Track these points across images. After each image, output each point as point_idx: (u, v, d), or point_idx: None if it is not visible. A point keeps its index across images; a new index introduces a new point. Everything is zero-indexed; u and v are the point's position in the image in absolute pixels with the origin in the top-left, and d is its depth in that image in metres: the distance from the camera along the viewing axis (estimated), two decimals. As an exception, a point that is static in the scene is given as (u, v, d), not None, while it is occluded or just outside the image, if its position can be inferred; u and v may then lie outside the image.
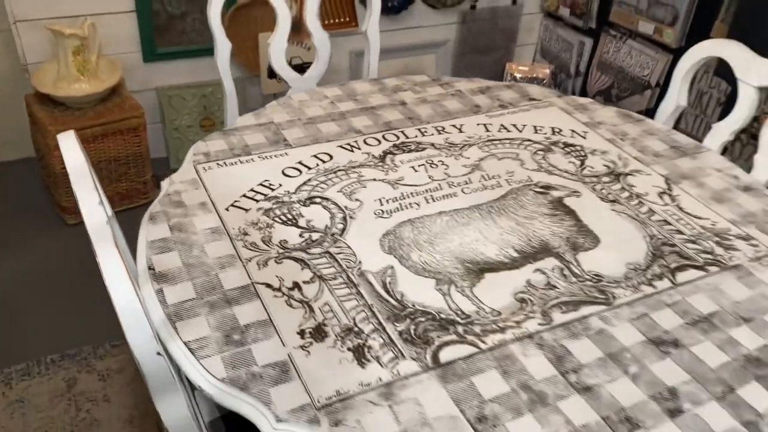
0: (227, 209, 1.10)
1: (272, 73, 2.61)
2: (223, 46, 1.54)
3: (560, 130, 1.39)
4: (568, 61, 2.97)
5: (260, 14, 2.52)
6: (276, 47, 1.59)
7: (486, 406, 0.80)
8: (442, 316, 0.92)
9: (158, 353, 0.67)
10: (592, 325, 0.92)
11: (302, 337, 0.87)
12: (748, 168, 1.31)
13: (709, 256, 1.07)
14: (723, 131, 1.35)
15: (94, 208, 0.74)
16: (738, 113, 1.33)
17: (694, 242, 1.10)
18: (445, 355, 0.86)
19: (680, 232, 1.11)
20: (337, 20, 2.65)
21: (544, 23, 3.07)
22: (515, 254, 1.04)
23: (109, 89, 2.24)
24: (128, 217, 2.39)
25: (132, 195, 2.39)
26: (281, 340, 0.86)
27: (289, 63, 2.32)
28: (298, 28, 2.58)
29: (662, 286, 1.00)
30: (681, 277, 1.02)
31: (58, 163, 2.18)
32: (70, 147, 0.85)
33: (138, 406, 1.71)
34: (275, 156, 1.25)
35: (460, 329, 0.90)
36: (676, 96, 1.42)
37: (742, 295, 0.99)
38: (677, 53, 2.37)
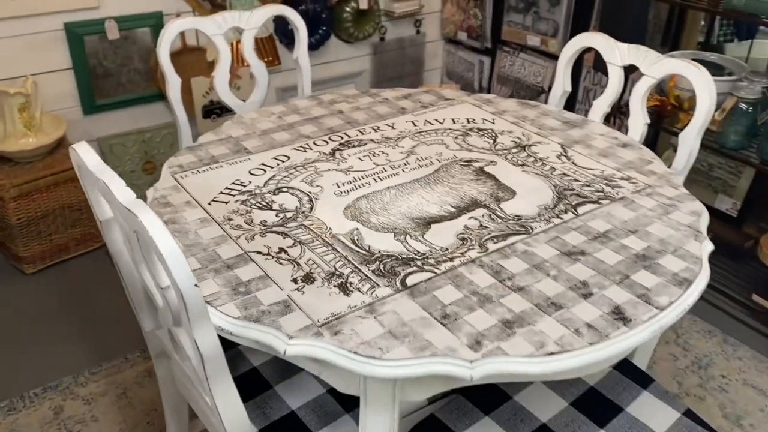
0: (209, 204, 1.30)
1: (207, 114, 2.81)
2: (173, 81, 1.75)
3: (473, 120, 1.68)
4: (471, 79, 3.33)
5: (191, 60, 2.73)
6: (220, 78, 1.81)
7: (447, 308, 1.03)
8: (404, 256, 1.15)
9: (195, 285, 0.87)
10: (518, 248, 1.18)
11: (295, 283, 1.08)
12: (625, 132, 1.63)
13: (601, 194, 1.36)
14: (601, 105, 1.67)
15: (123, 189, 0.93)
16: (610, 89, 1.65)
17: (588, 186, 1.38)
18: (411, 280, 1.09)
19: (577, 180, 1.40)
20: (262, 60, 2.89)
21: (446, 48, 3.42)
22: (452, 209, 1.29)
23: (56, 141, 2.38)
24: (87, 260, 2.51)
25: (87, 240, 2.51)
26: (279, 287, 1.07)
27: (218, 102, 2.56)
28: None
29: (567, 217, 1.28)
30: (581, 210, 1.30)
31: (13, 215, 2.29)
32: (85, 150, 1.03)
33: (126, 421, 1.84)
34: (240, 162, 1.46)
35: (418, 263, 1.14)
36: (561, 82, 1.74)
37: (628, 216, 1.28)
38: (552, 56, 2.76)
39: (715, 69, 2.25)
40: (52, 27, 2.42)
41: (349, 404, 1.25)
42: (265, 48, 2.91)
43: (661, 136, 2.60)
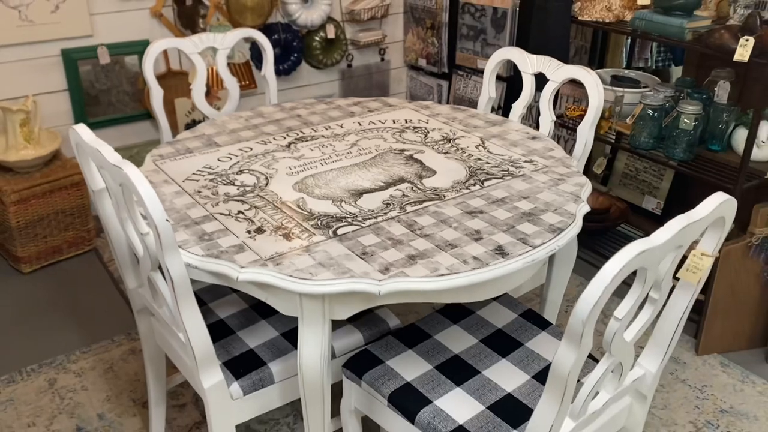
0: (183, 182, 1.59)
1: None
2: (156, 91, 2.05)
3: (411, 120, 1.99)
4: (432, 101, 3.66)
5: (174, 84, 3.04)
6: (197, 90, 2.11)
7: (366, 248, 1.32)
8: (338, 215, 1.44)
9: (167, 219, 1.15)
10: (431, 210, 1.47)
11: (249, 234, 1.36)
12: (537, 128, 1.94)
13: (506, 172, 1.66)
14: (518, 107, 1.99)
15: (113, 153, 1.22)
16: (524, 93, 1.97)
17: (497, 167, 1.69)
18: (341, 231, 1.38)
19: (488, 163, 1.71)
20: (240, 83, 3.21)
21: (409, 74, 3.77)
22: (382, 184, 1.59)
23: (53, 153, 2.67)
24: (78, 261, 2.77)
25: (78, 242, 2.77)
26: (235, 236, 1.35)
27: (200, 121, 2.89)
28: (206, 93, 3.13)
29: (474, 189, 1.57)
30: (487, 183, 1.60)
31: (13, 218, 2.56)
32: (82, 128, 1.32)
33: (112, 390, 2.08)
34: (210, 152, 1.75)
35: (349, 219, 1.42)
36: (487, 89, 2.06)
37: (523, 187, 1.58)
38: (507, 80, 3.09)
39: (633, 83, 2.59)
40: (50, 53, 2.73)
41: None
42: (243, 73, 3.23)
43: (594, 144, 2.92)
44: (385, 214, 1.45)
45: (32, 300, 2.50)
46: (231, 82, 2.19)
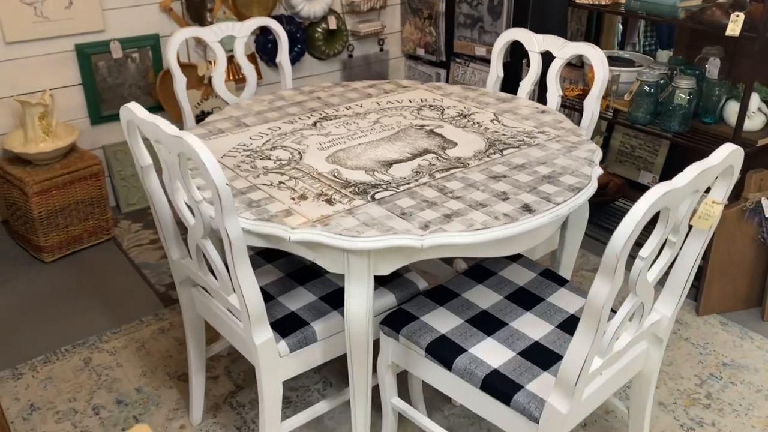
0: (221, 158, 1.69)
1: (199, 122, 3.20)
2: (179, 77, 2.14)
3: (426, 100, 2.10)
4: (430, 88, 3.77)
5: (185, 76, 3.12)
6: (217, 77, 2.21)
7: (405, 210, 1.43)
8: (372, 183, 1.55)
9: (227, 183, 1.25)
10: (457, 176, 1.59)
11: (293, 200, 1.47)
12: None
13: (522, 142, 1.77)
14: (526, 84, 2.11)
15: (171, 126, 1.31)
16: (532, 71, 2.09)
17: (512, 138, 1.80)
18: (378, 195, 1.49)
19: (504, 135, 1.82)
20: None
21: (407, 63, 3.88)
22: (409, 155, 1.70)
23: (70, 145, 2.74)
24: (98, 250, 2.85)
25: (98, 232, 2.85)
26: (281, 203, 1.46)
27: (210, 112, 3.00)
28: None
29: (495, 157, 1.69)
30: (506, 152, 1.72)
31: (36, 209, 2.64)
32: (136, 106, 1.42)
33: (147, 365, 2.17)
34: (241, 132, 1.85)
35: (384, 186, 1.53)
36: (496, 69, 2.18)
37: (540, 154, 1.70)
38: (505, 66, 3.21)
39: (628, 63, 2.72)
40: (64, 48, 2.81)
41: (336, 304, 1.63)
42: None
43: (591, 125, 3.05)
44: (416, 180, 1.56)
45: (57, 287, 2.58)
46: (249, 69, 2.29)
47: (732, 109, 2.38)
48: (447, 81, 3.64)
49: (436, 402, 2.00)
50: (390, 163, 1.65)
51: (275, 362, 1.51)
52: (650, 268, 1.27)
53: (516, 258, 1.81)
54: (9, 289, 2.57)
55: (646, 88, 2.45)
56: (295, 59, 3.42)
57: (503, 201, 1.47)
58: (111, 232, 2.90)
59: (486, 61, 3.36)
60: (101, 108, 2.98)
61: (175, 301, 2.48)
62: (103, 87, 2.96)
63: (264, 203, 1.46)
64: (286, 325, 1.57)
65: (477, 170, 1.61)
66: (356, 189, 1.52)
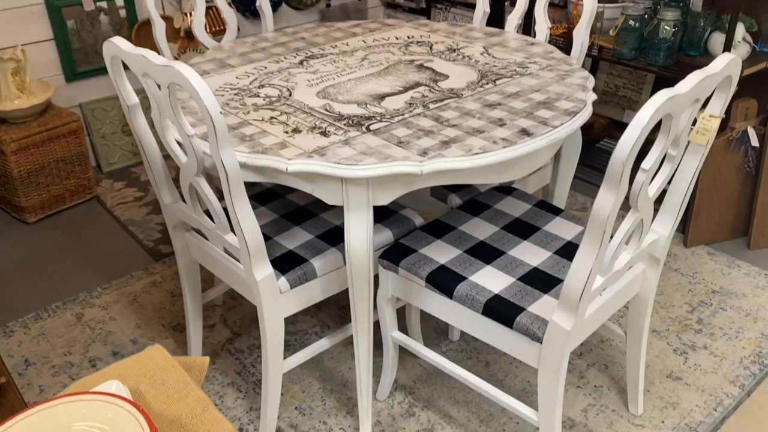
0: (210, 98, 1.65)
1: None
2: (159, 23, 2.07)
3: (412, 36, 2.06)
4: (411, 37, 3.71)
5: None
6: (197, 22, 2.14)
7: (401, 138, 1.41)
8: (366, 115, 1.53)
9: (221, 112, 1.22)
10: (452, 105, 1.57)
11: (287, 133, 1.44)
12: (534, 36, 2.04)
13: (514, 72, 1.76)
14: (513, 18, 2.08)
15: (158, 57, 1.27)
16: (519, 3, 2.06)
17: (504, 68, 1.78)
18: (373, 126, 1.47)
19: (495, 66, 1.80)
20: (221, 26, 3.22)
21: (386, 12, 3.81)
22: (400, 88, 1.67)
23: (46, 102, 2.66)
24: (81, 209, 2.79)
25: (80, 191, 2.79)
26: (275, 136, 1.43)
27: None
28: (191, 37, 3.14)
29: (488, 87, 1.67)
30: (499, 82, 1.70)
31: (15, 168, 2.57)
32: (120, 40, 1.37)
33: (140, 318, 2.15)
34: (225, 72, 1.81)
35: (378, 117, 1.51)
36: (482, 4, 2.14)
37: (533, 83, 1.68)
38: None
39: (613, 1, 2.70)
40: (34, 1, 2.70)
41: (333, 241, 1.62)
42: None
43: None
44: (410, 112, 1.54)
45: (43, 247, 2.53)
46: (229, 14, 2.22)
47: (717, 40, 2.38)
48: (427, 28, 3.59)
49: (433, 338, 2.01)
50: (382, 97, 1.63)
51: (276, 299, 1.50)
52: (650, 183, 1.27)
53: (510, 191, 1.81)
54: (-7, 250, 2.52)
55: (631, 22, 2.43)
56: (272, 9, 3.33)
57: (500, 127, 1.45)
58: (93, 191, 2.84)
59: (469, 5, 3.31)
60: (75, 64, 2.89)
61: (165, 255, 2.45)
62: (76, 44, 2.86)
63: (257, 137, 1.43)
64: (285, 263, 1.55)
65: (471, 100, 1.60)
66: (350, 121, 1.50)
